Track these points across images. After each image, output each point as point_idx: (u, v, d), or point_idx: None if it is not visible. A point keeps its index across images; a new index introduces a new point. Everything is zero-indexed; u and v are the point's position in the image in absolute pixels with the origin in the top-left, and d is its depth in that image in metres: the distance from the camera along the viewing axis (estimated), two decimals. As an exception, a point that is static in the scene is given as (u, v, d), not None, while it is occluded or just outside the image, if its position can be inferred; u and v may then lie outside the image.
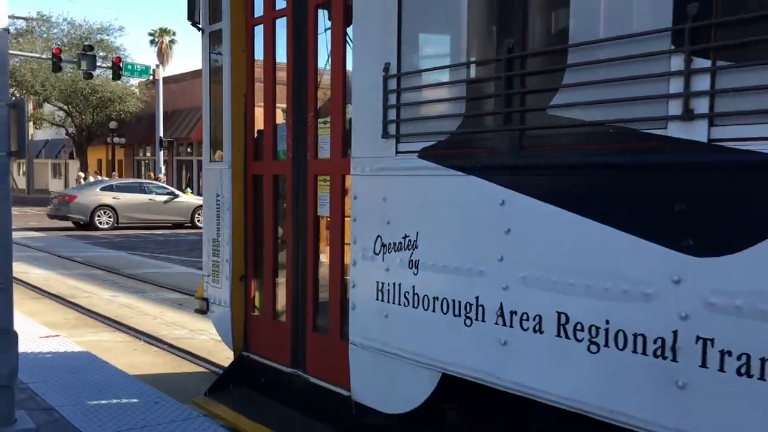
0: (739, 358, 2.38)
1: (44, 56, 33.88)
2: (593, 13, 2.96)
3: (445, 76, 3.49)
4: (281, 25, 4.88)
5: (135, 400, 5.22)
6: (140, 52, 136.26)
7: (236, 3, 5.16)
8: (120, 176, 35.64)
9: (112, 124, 39.79)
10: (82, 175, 33.09)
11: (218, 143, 5.47)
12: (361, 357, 4.06)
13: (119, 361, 6.60)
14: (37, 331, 7.45)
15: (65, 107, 42.29)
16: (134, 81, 40.06)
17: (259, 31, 5.12)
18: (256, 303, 5.33)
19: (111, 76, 31.48)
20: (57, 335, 7.40)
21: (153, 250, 17.33)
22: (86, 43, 31.28)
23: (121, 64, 29.20)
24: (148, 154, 42.18)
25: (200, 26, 5.51)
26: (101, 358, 6.48)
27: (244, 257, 5.30)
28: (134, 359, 7.20)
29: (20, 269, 12.26)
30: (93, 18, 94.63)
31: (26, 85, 38.70)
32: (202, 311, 5.72)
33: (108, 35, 41.32)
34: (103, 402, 5.22)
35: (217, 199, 5.39)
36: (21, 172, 53.11)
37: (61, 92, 40.05)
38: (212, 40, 5.45)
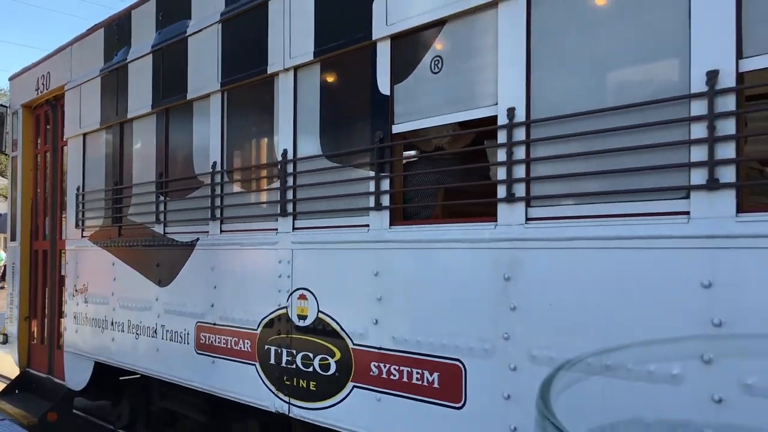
0: (170, 332, 5.24)
1: None
2: (142, 168, 5.93)
3: (99, 195, 6.39)
4: (49, 156, 7.76)
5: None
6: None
7: (26, 139, 8.03)
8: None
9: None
10: None
11: (15, 229, 8.23)
12: (68, 359, 6.80)
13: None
14: None
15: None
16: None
17: (39, 158, 7.99)
18: (35, 334, 7.99)
19: None
20: None
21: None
22: None
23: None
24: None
25: (6, 153, 8.35)
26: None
27: (29, 304, 8.00)
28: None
29: None
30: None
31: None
32: (3, 343, 8.35)
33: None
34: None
35: (13, 266, 8.12)
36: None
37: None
38: (13, 163, 8.29)
